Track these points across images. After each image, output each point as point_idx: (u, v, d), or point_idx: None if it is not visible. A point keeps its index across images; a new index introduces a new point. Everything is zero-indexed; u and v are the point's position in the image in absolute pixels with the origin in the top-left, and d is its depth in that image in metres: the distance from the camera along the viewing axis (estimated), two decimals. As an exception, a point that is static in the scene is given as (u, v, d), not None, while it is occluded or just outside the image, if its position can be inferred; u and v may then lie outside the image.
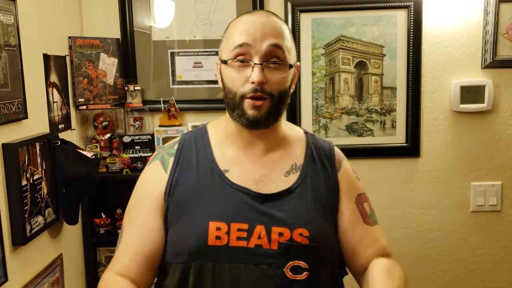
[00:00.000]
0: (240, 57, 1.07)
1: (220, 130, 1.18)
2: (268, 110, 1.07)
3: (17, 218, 1.58)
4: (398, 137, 2.30)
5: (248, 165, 1.12)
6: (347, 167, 1.21)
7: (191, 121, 2.29)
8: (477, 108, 2.23)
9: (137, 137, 2.22)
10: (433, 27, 2.23)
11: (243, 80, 1.06)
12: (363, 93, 2.29)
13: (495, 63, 2.20)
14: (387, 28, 2.24)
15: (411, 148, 2.29)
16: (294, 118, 2.27)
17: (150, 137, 2.23)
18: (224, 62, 1.10)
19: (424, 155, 2.31)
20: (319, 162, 1.17)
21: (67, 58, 2.08)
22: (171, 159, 1.15)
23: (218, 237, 1.06)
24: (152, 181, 1.14)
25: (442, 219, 2.34)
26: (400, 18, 2.23)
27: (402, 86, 2.27)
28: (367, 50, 2.26)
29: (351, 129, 2.31)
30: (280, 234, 1.06)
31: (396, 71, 2.26)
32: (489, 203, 2.30)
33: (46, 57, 1.86)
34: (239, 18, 1.13)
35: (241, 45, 1.06)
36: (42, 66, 1.84)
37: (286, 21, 2.22)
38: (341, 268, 1.20)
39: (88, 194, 2.05)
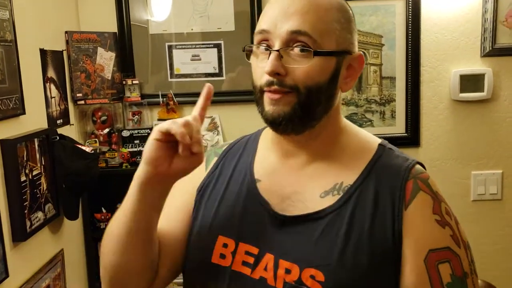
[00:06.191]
0: (258, 44, 0.88)
1: (269, 134, 0.97)
2: (293, 108, 0.84)
3: (17, 214, 1.58)
4: (398, 127, 2.29)
5: (282, 177, 0.92)
6: (426, 203, 0.87)
7: (189, 114, 2.27)
8: (476, 97, 2.23)
9: (136, 131, 2.22)
10: (431, 16, 2.21)
11: (262, 71, 0.87)
12: (362, 83, 2.28)
13: (494, 51, 2.18)
14: (386, 17, 2.22)
15: (411, 138, 2.29)
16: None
17: (149, 131, 2.22)
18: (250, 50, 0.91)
19: (424, 145, 2.30)
20: (381, 187, 0.87)
21: (64, 53, 2.07)
22: (215, 159, 1.02)
23: (222, 256, 0.89)
24: (192, 173, 0.88)
25: (443, 208, 2.33)
26: (398, 7, 2.21)
27: (401, 76, 2.26)
28: (366, 40, 2.24)
29: (350, 120, 2.28)
30: (287, 271, 0.84)
31: (395, 61, 2.25)
32: (489, 192, 2.30)
33: (43, 52, 1.85)
34: None
35: (260, 32, 0.87)
36: (39, 61, 1.83)
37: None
38: None
39: (88, 189, 2.05)
